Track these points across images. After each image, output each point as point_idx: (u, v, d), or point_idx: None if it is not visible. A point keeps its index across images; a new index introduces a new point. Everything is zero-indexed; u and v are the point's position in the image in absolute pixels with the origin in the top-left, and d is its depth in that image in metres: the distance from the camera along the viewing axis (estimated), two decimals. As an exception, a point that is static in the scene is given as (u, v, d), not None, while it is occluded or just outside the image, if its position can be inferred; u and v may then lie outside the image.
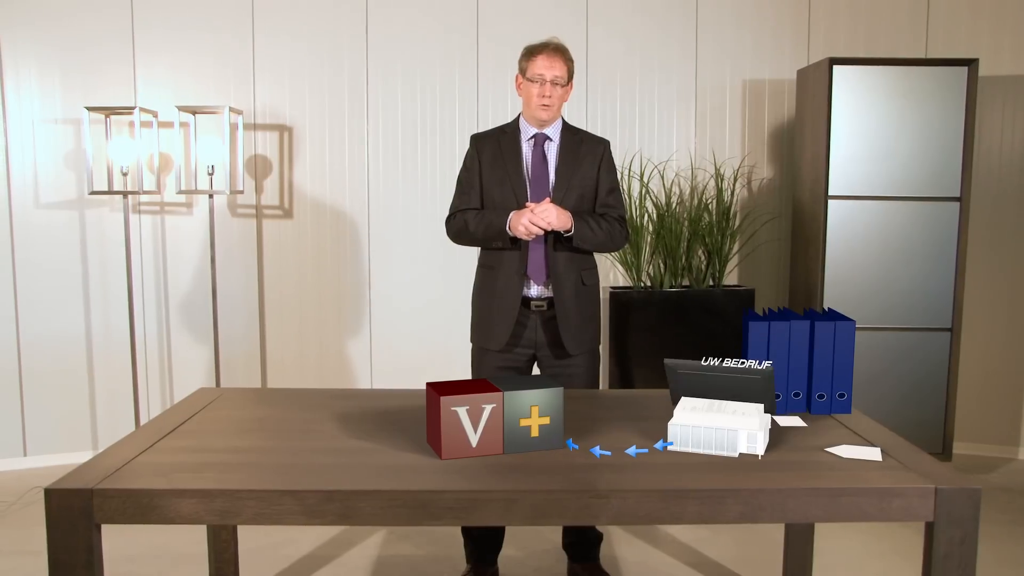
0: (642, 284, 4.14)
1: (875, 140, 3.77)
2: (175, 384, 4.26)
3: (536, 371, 2.88)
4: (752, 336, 2.29)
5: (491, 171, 2.72)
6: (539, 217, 2.54)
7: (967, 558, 1.72)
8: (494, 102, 4.26)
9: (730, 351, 3.94)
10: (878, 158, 3.78)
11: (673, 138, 4.33)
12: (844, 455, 1.89)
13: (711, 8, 4.27)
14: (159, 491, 1.69)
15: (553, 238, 2.67)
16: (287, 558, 3.07)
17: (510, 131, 2.76)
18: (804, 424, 2.17)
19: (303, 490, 1.69)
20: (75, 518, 1.69)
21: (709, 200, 4.21)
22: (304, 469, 1.82)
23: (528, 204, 2.59)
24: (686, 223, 4.15)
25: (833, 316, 2.37)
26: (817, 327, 2.28)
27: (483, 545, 2.82)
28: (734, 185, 4.28)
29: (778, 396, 2.29)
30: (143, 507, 1.69)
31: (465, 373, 3.77)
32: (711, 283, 4.18)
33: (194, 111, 3.97)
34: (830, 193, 3.79)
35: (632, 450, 1.92)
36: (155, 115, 4.01)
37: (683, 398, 2.08)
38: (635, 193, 4.20)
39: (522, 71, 2.70)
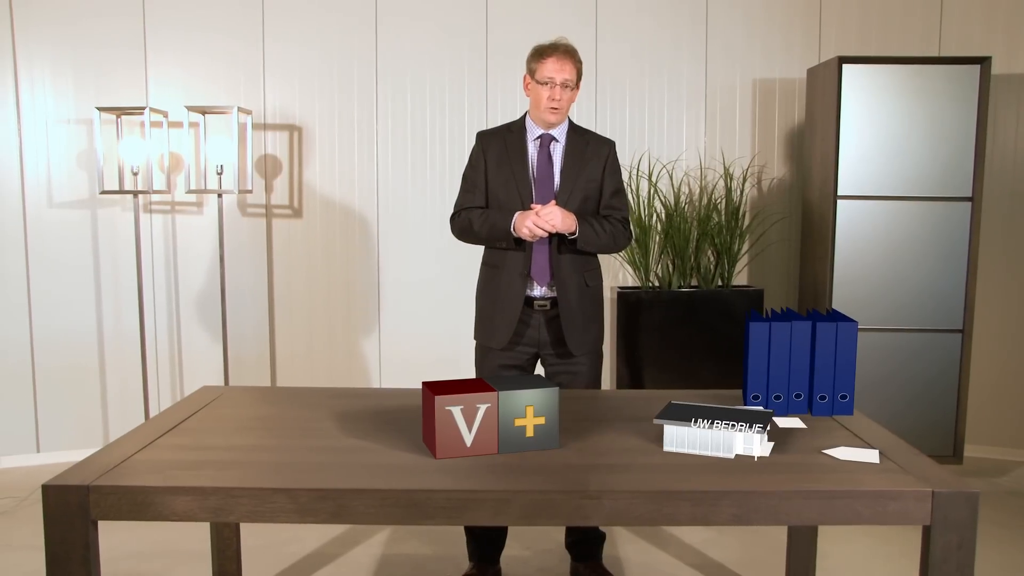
0: (650, 284, 4.13)
1: (886, 139, 3.73)
2: (185, 382, 4.30)
3: (540, 369, 2.89)
4: (753, 337, 2.27)
5: (496, 170, 2.72)
6: (544, 220, 2.54)
7: (965, 563, 1.70)
8: (503, 103, 4.25)
9: (739, 352, 3.91)
10: (889, 157, 3.74)
11: (683, 138, 4.31)
12: (841, 457, 1.88)
13: (721, 8, 4.25)
14: (154, 488, 1.70)
15: (557, 240, 2.66)
16: (292, 556, 3.09)
17: (516, 130, 2.76)
18: (804, 425, 2.15)
19: (296, 488, 1.70)
20: (72, 514, 1.70)
21: (718, 200, 4.19)
22: (299, 467, 1.82)
23: (533, 206, 2.59)
24: (695, 223, 4.13)
25: (836, 317, 2.35)
26: (819, 328, 2.26)
27: (486, 544, 2.82)
28: (743, 185, 4.25)
29: (779, 397, 2.28)
30: (138, 504, 1.70)
31: (474, 372, 3.77)
32: (720, 283, 4.15)
33: (203, 111, 4.00)
34: (839, 193, 3.76)
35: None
36: (165, 115, 4.04)
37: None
38: (644, 193, 4.19)
39: (531, 72, 2.69)
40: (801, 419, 2.22)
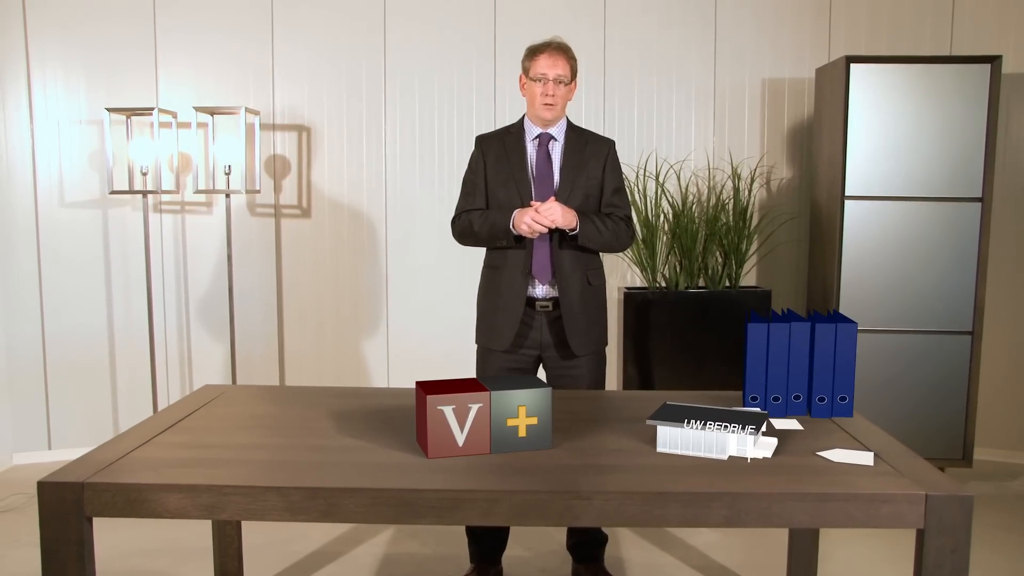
0: (657, 285, 4.11)
1: (894, 139, 3.70)
2: (194, 380, 4.33)
3: (542, 372, 2.88)
4: (751, 338, 2.26)
5: (496, 172, 2.72)
6: (543, 215, 2.54)
7: (959, 568, 1.68)
8: (511, 105, 4.25)
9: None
10: (897, 158, 3.71)
11: (691, 138, 4.29)
12: (835, 459, 1.86)
13: (730, 7, 4.23)
14: (147, 485, 1.72)
15: (558, 237, 2.66)
16: (294, 554, 3.10)
17: (515, 131, 2.76)
18: (800, 427, 2.14)
19: (288, 487, 1.71)
20: (67, 510, 1.72)
21: (726, 200, 4.17)
22: (292, 466, 1.83)
23: (533, 203, 2.59)
24: (702, 223, 4.12)
25: (836, 318, 2.33)
26: (818, 329, 2.25)
27: (487, 545, 2.82)
28: (751, 185, 4.23)
29: (777, 399, 2.26)
30: (132, 501, 1.72)
31: (477, 373, 3.78)
32: (728, 284, 4.13)
33: (212, 112, 4.03)
34: (847, 193, 3.73)
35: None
36: (174, 116, 4.08)
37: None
38: (651, 193, 4.17)
39: (525, 71, 2.70)
40: (799, 421, 2.20)
